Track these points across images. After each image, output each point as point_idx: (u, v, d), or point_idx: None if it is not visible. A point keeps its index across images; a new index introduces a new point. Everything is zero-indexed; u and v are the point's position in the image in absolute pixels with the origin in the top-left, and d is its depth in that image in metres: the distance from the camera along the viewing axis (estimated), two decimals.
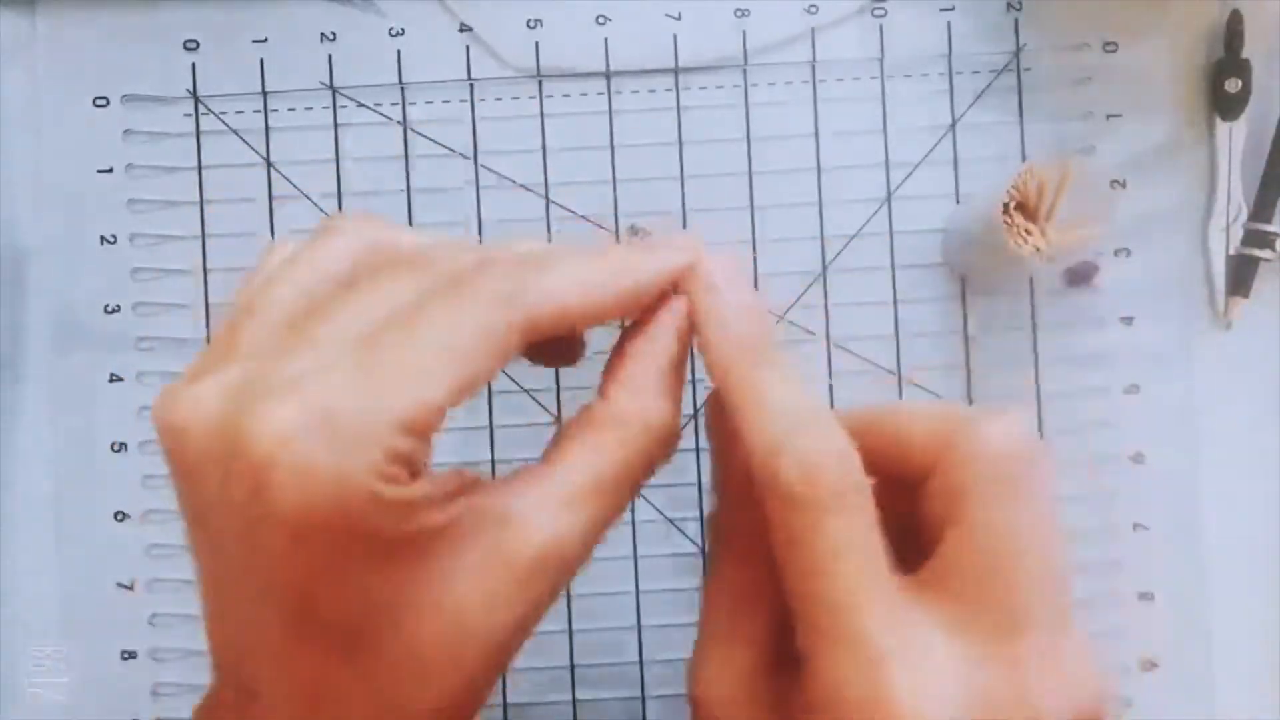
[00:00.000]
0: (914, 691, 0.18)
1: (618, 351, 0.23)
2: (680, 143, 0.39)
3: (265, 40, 0.39)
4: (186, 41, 0.39)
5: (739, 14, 0.39)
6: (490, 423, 0.38)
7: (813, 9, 0.39)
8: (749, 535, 0.22)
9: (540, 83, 0.39)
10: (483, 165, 0.39)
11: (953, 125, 0.39)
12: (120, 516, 0.38)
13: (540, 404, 0.38)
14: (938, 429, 0.21)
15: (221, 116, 0.39)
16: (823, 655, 0.19)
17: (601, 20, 0.39)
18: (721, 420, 0.23)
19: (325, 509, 0.18)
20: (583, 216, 0.39)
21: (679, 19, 0.39)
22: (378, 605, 0.19)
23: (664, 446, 0.22)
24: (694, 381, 0.39)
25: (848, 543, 0.19)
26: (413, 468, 0.19)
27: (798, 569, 0.19)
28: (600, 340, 0.25)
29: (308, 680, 0.19)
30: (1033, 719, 0.19)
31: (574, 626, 0.39)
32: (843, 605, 0.19)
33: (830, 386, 0.39)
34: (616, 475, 0.21)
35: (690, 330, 0.23)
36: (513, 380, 0.38)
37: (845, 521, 0.19)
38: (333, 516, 0.18)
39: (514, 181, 0.39)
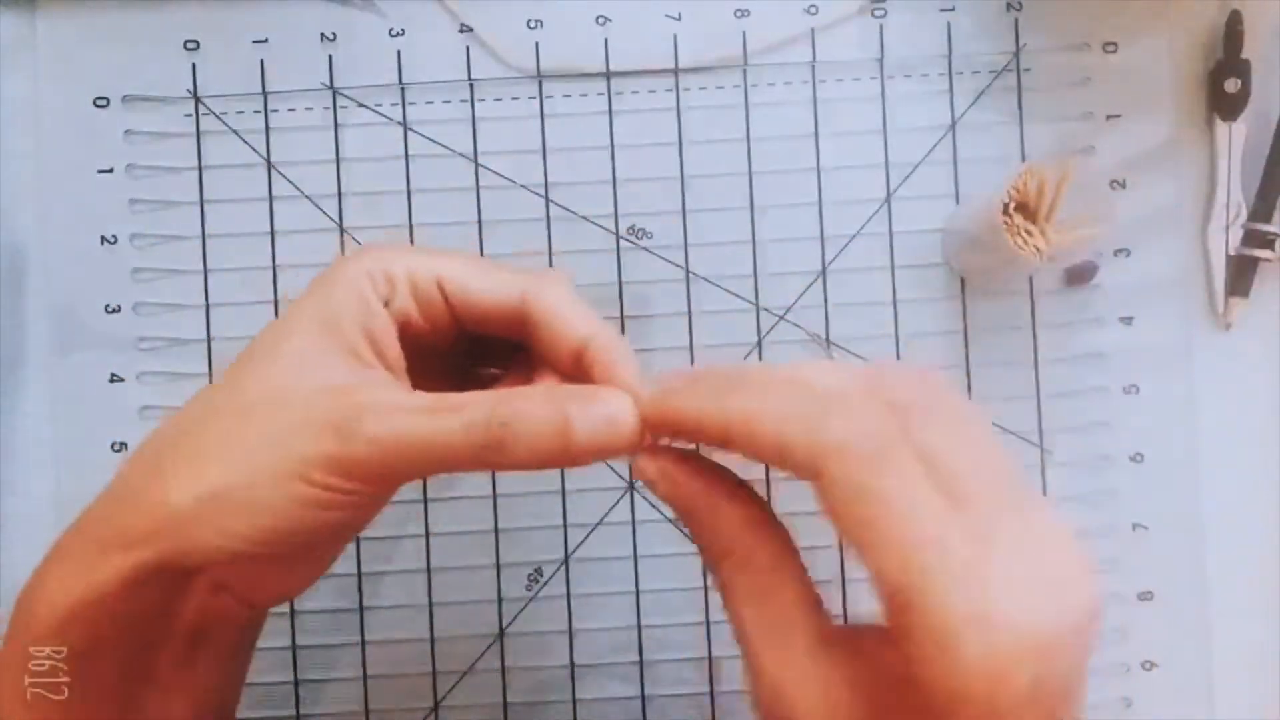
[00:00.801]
0: (1017, 599, 0.20)
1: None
2: (680, 143, 0.39)
3: (265, 40, 0.39)
4: (186, 41, 0.39)
5: (739, 14, 0.39)
6: None
7: (813, 9, 0.39)
8: (757, 555, 0.24)
9: (540, 83, 0.39)
10: (483, 165, 0.39)
11: (953, 125, 0.39)
12: None
13: None
14: (804, 444, 0.22)
15: (222, 117, 0.39)
16: (926, 587, 0.20)
17: (601, 20, 0.39)
18: (688, 477, 0.24)
19: None
20: (583, 216, 0.39)
21: (679, 19, 0.39)
22: None
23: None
24: None
25: (914, 480, 0.21)
26: None
27: (878, 517, 0.20)
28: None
29: None
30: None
31: (574, 626, 0.39)
32: (934, 535, 0.20)
33: None
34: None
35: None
36: None
37: (907, 465, 0.21)
38: None
39: (514, 181, 0.39)
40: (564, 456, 0.23)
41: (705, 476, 0.25)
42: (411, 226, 0.39)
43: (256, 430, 0.24)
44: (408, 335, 0.26)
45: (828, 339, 0.39)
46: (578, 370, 0.25)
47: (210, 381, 0.39)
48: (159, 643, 0.25)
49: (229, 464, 0.23)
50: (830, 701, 0.22)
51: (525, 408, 0.23)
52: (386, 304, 0.25)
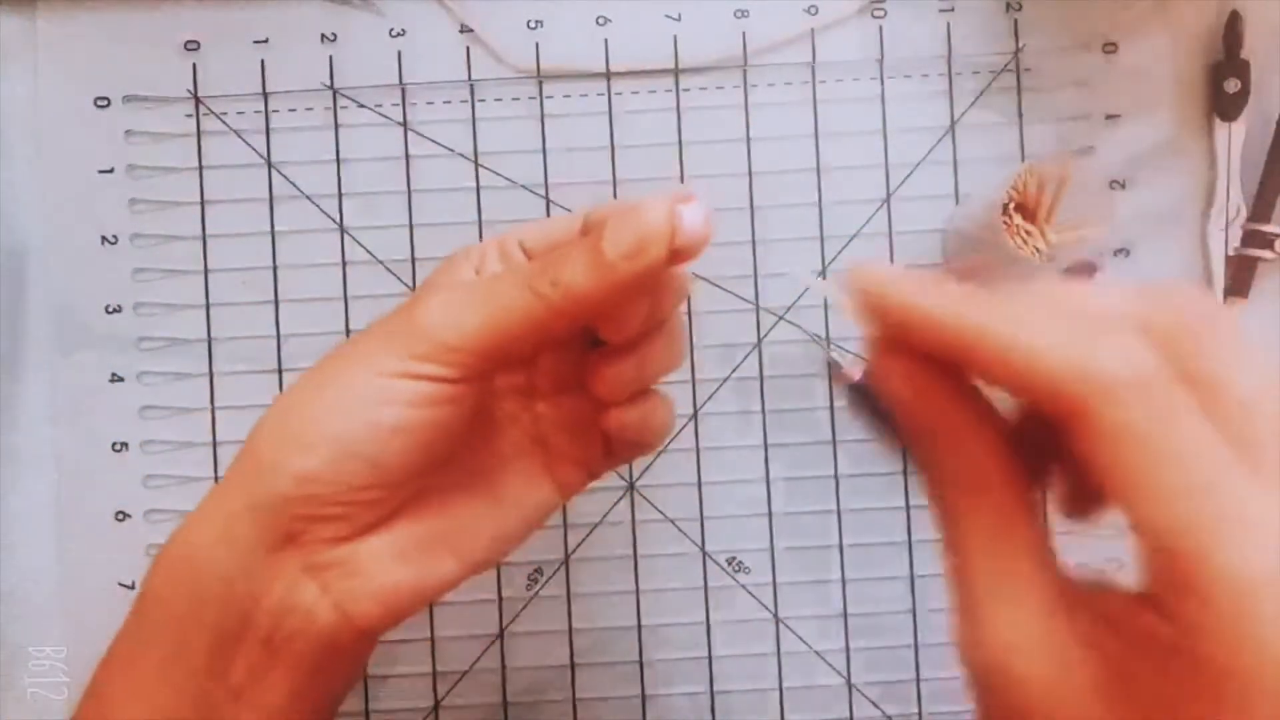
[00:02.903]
0: None
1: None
2: (680, 143, 0.39)
3: (266, 40, 0.39)
4: (187, 42, 0.39)
5: (739, 14, 0.39)
6: None
7: (813, 9, 0.39)
8: (1002, 492, 0.21)
9: (540, 83, 0.39)
10: (483, 165, 0.39)
11: (952, 126, 0.39)
12: (120, 516, 0.38)
13: None
14: (1071, 378, 0.19)
15: (222, 117, 0.39)
16: (1217, 542, 0.17)
17: (601, 20, 0.39)
18: (937, 386, 0.21)
19: None
20: None
21: (679, 19, 0.39)
22: None
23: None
24: (693, 383, 0.39)
25: (1198, 422, 0.18)
26: None
27: (1160, 464, 0.18)
28: None
29: None
30: None
31: (574, 626, 0.39)
32: (1224, 483, 0.18)
33: (830, 386, 0.39)
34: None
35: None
36: None
37: (1188, 405, 0.18)
38: None
39: (514, 182, 0.39)
40: (601, 266, 0.23)
41: (955, 390, 0.21)
42: (411, 226, 0.39)
43: (336, 352, 0.25)
44: None
45: (828, 339, 0.39)
46: None
47: (211, 381, 0.39)
48: (241, 636, 0.24)
49: (307, 385, 0.25)
50: (1070, 673, 0.19)
51: (574, 245, 0.24)
52: (477, 271, 0.27)
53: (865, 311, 0.21)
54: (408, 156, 0.39)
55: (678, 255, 0.23)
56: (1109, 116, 0.39)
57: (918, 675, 0.39)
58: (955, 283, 0.21)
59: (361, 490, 0.24)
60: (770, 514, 0.39)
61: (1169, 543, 0.18)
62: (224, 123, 0.39)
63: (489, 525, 0.27)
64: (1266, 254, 0.38)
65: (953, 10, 0.39)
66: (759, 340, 0.39)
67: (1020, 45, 0.39)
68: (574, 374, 0.28)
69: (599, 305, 0.24)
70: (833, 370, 0.39)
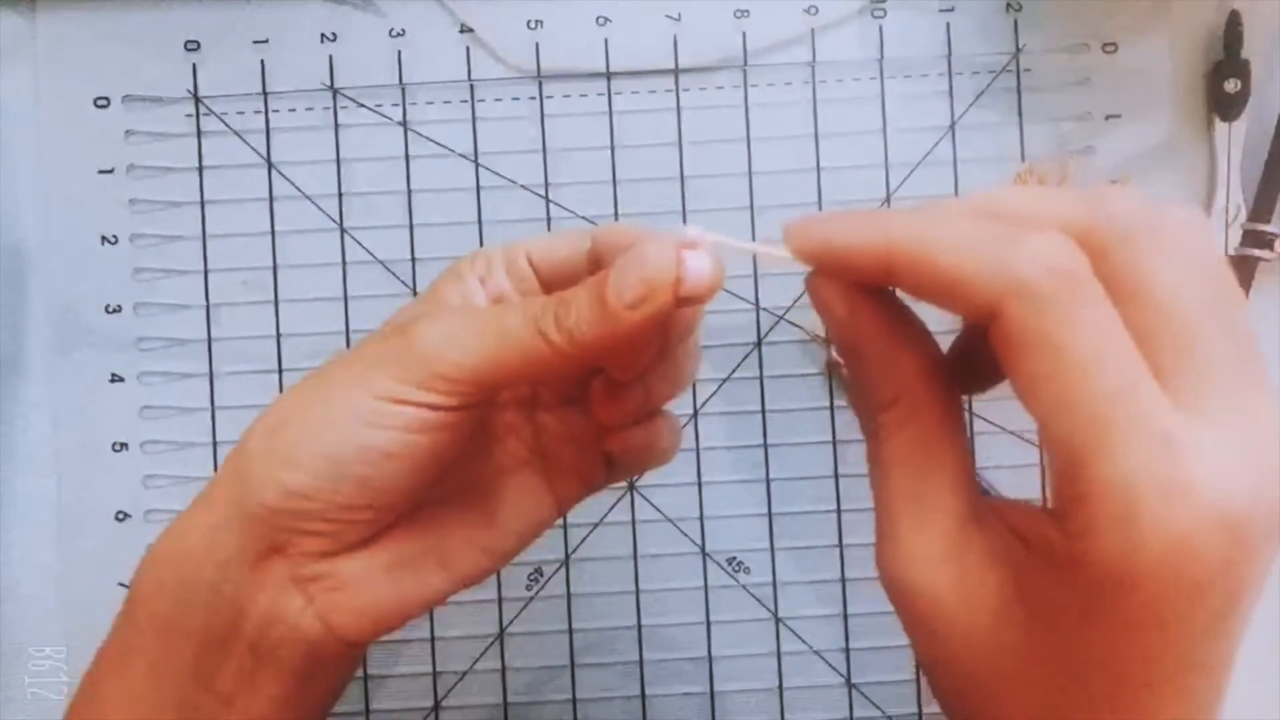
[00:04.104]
0: (1212, 470, 0.17)
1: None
2: (680, 143, 0.39)
3: (266, 41, 0.39)
4: (187, 42, 0.39)
5: (739, 14, 0.39)
6: None
7: (813, 9, 0.39)
8: (924, 411, 0.21)
9: (540, 83, 0.39)
10: (483, 165, 0.39)
11: (952, 126, 0.39)
12: (120, 516, 0.38)
13: None
14: (984, 278, 0.18)
15: (222, 117, 0.39)
16: (1108, 448, 0.17)
17: (601, 20, 0.39)
18: (871, 306, 0.22)
19: None
20: (583, 217, 0.39)
21: (679, 19, 0.39)
22: None
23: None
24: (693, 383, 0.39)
25: (1110, 327, 0.18)
26: None
27: (1062, 371, 0.18)
28: None
29: None
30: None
31: (574, 626, 0.39)
32: (1124, 390, 0.17)
33: (830, 385, 0.39)
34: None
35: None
36: None
37: (1102, 310, 0.18)
38: None
39: (514, 182, 0.39)
40: (606, 314, 0.22)
41: (884, 311, 0.22)
42: (412, 226, 0.39)
43: (331, 367, 0.25)
44: None
45: (828, 339, 0.39)
46: None
47: (211, 381, 0.39)
48: (228, 643, 0.24)
49: (299, 396, 0.24)
50: (975, 586, 0.20)
51: (580, 285, 0.23)
52: (482, 281, 0.27)
53: (802, 259, 0.21)
54: (408, 156, 0.39)
55: (685, 302, 0.23)
56: (1109, 116, 0.39)
57: (918, 675, 0.39)
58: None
59: (350, 510, 0.24)
60: (770, 514, 0.39)
61: (1066, 452, 0.18)
62: (224, 123, 0.39)
63: (481, 539, 0.27)
64: (1266, 254, 0.38)
65: (953, 10, 0.39)
66: (759, 340, 0.39)
67: (1020, 45, 0.39)
68: (579, 385, 0.28)
69: (604, 351, 0.23)
70: (833, 370, 0.39)
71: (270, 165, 0.39)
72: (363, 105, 0.39)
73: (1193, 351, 0.18)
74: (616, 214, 0.39)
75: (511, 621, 0.39)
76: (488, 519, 0.27)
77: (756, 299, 0.39)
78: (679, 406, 0.39)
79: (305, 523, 0.23)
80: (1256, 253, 0.38)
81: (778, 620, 0.39)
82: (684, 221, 0.39)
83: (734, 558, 0.39)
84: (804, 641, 0.39)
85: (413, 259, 0.39)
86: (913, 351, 0.22)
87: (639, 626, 0.39)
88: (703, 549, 0.39)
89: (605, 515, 0.39)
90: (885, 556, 0.21)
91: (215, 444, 0.38)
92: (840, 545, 0.39)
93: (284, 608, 0.24)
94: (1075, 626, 0.18)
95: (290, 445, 0.23)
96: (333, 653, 0.25)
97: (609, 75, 0.39)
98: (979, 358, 0.23)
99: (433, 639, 0.38)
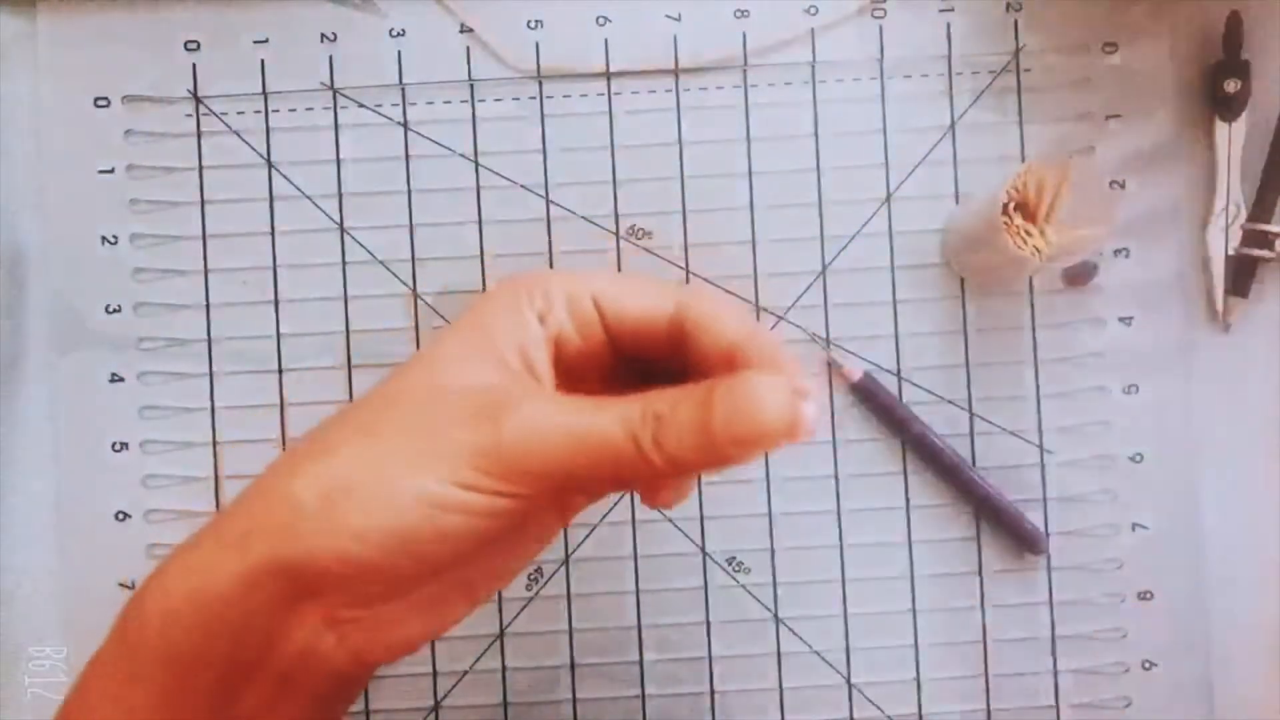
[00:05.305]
0: None
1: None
2: (680, 143, 0.39)
3: (266, 40, 0.39)
4: (187, 42, 0.39)
5: (739, 14, 0.39)
6: None
7: (813, 9, 0.39)
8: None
9: (540, 83, 0.39)
10: (483, 166, 0.39)
11: (952, 125, 0.39)
12: (120, 516, 0.38)
13: None
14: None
15: (222, 117, 0.39)
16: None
17: (601, 20, 0.39)
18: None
19: None
20: (583, 217, 0.39)
21: (679, 19, 0.39)
22: None
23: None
24: None
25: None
26: None
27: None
28: None
29: None
30: None
31: (574, 626, 0.39)
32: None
33: (830, 386, 0.39)
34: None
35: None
36: None
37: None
38: None
39: (514, 182, 0.39)
40: (709, 447, 0.22)
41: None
42: (412, 226, 0.39)
43: (400, 422, 0.23)
44: (560, 355, 0.25)
45: (828, 339, 0.39)
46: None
47: (211, 381, 0.39)
48: (253, 672, 0.23)
49: (360, 456, 0.22)
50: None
51: (680, 396, 0.22)
52: (542, 319, 0.25)
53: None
54: (408, 156, 0.39)
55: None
56: (1109, 116, 0.39)
57: (918, 675, 0.39)
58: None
59: (404, 580, 0.23)
60: (770, 514, 0.39)
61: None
62: (224, 123, 0.39)
63: (501, 566, 0.27)
64: (1266, 254, 0.38)
65: (953, 10, 0.39)
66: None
67: (1020, 45, 0.39)
68: None
69: (695, 471, 0.23)
70: (833, 370, 0.39)
71: (270, 165, 0.39)
72: (363, 105, 0.39)
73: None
74: (616, 213, 0.39)
75: (511, 621, 0.39)
76: (510, 548, 0.27)
77: (756, 299, 0.39)
78: None
79: (356, 585, 0.23)
80: (1256, 253, 0.38)
81: (778, 620, 0.39)
82: (684, 220, 0.39)
83: (734, 558, 0.39)
84: (804, 641, 0.39)
85: (413, 259, 0.39)
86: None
87: (639, 626, 0.39)
88: (703, 549, 0.39)
89: (605, 515, 0.39)
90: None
91: (215, 444, 0.38)
92: (840, 545, 0.39)
93: (315, 645, 0.23)
94: None
95: (356, 517, 0.22)
96: (356, 676, 0.25)
97: (609, 75, 0.39)
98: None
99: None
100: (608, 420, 0.22)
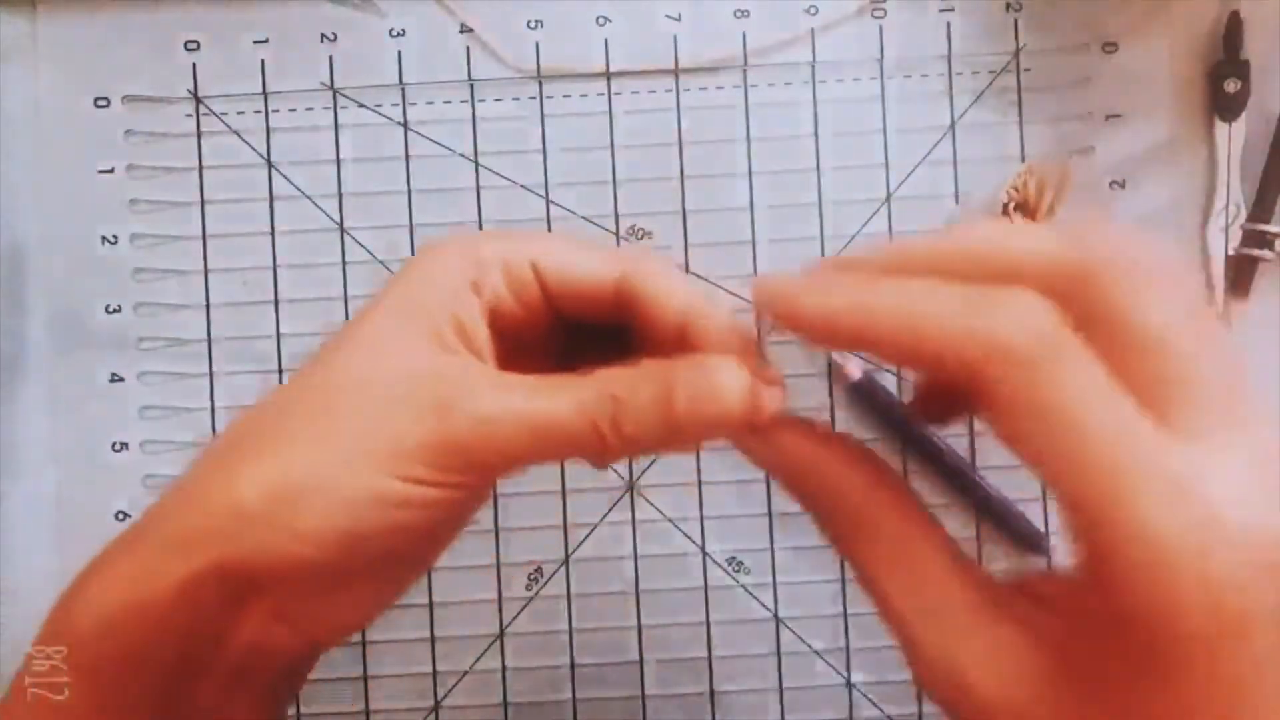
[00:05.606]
0: (1233, 501, 0.17)
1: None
2: (680, 143, 0.39)
3: (266, 40, 0.39)
4: (187, 42, 0.39)
5: (739, 14, 0.39)
6: None
7: (813, 9, 0.39)
8: (886, 524, 0.21)
9: (540, 83, 0.39)
10: (483, 165, 0.39)
11: (952, 125, 0.39)
12: (121, 516, 0.38)
13: None
14: (963, 348, 0.18)
15: (222, 117, 0.39)
16: (1121, 500, 0.17)
17: (601, 20, 0.39)
18: (800, 445, 0.22)
19: None
20: (583, 217, 0.39)
21: (679, 19, 0.39)
22: None
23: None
24: None
25: (1095, 381, 0.18)
26: None
27: (1056, 433, 0.18)
28: None
29: None
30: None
31: (574, 626, 0.39)
32: (1123, 439, 0.17)
33: (830, 386, 0.39)
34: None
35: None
36: None
37: (1085, 365, 0.18)
38: None
39: (514, 182, 0.39)
40: (670, 432, 0.21)
41: (816, 438, 0.22)
42: (412, 226, 0.39)
43: (341, 417, 0.22)
44: (498, 324, 0.24)
45: None
46: (682, 349, 0.23)
47: (211, 381, 0.39)
48: (200, 672, 0.22)
49: (305, 456, 0.21)
50: (1006, 659, 0.19)
51: (637, 378, 0.21)
52: (476, 288, 0.23)
53: (776, 321, 0.21)
54: (408, 156, 0.39)
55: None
56: (1109, 116, 0.39)
57: None
58: (853, 271, 0.21)
59: (355, 573, 0.23)
60: (770, 514, 0.39)
61: (1080, 512, 0.18)
62: (224, 123, 0.39)
63: (448, 538, 0.26)
64: (1266, 254, 0.38)
65: (953, 10, 0.39)
66: (759, 340, 0.39)
67: (1020, 45, 0.39)
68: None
69: (651, 452, 0.23)
70: (833, 370, 0.39)
71: (270, 165, 0.39)
72: (363, 105, 0.39)
73: (1190, 384, 0.18)
74: (616, 213, 0.39)
75: (511, 621, 0.39)
76: (458, 523, 0.26)
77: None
78: None
79: (306, 583, 0.22)
80: (1256, 253, 0.38)
81: (778, 620, 0.39)
82: (684, 220, 0.39)
83: (734, 558, 0.39)
84: (804, 641, 0.39)
85: None
86: (856, 470, 0.22)
87: (639, 626, 0.39)
88: (703, 549, 0.39)
89: (605, 515, 0.39)
90: (919, 671, 0.21)
91: None
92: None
93: (266, 637, 0.23)
94: (1127, 687, 0.18)
95: (306, 519, 0.21)
96: (308, 660, 0.25)
97: (609, 75, 0.39)
98: (947, 392, 0.23)
99: (433, 639, 0.38)
100: (563, 405, 0.21)
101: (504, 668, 0.39)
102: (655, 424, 0.21)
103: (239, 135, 0.39)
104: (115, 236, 0.39)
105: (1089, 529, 0.18)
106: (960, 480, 0.38)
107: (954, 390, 0.21)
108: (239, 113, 0.39)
